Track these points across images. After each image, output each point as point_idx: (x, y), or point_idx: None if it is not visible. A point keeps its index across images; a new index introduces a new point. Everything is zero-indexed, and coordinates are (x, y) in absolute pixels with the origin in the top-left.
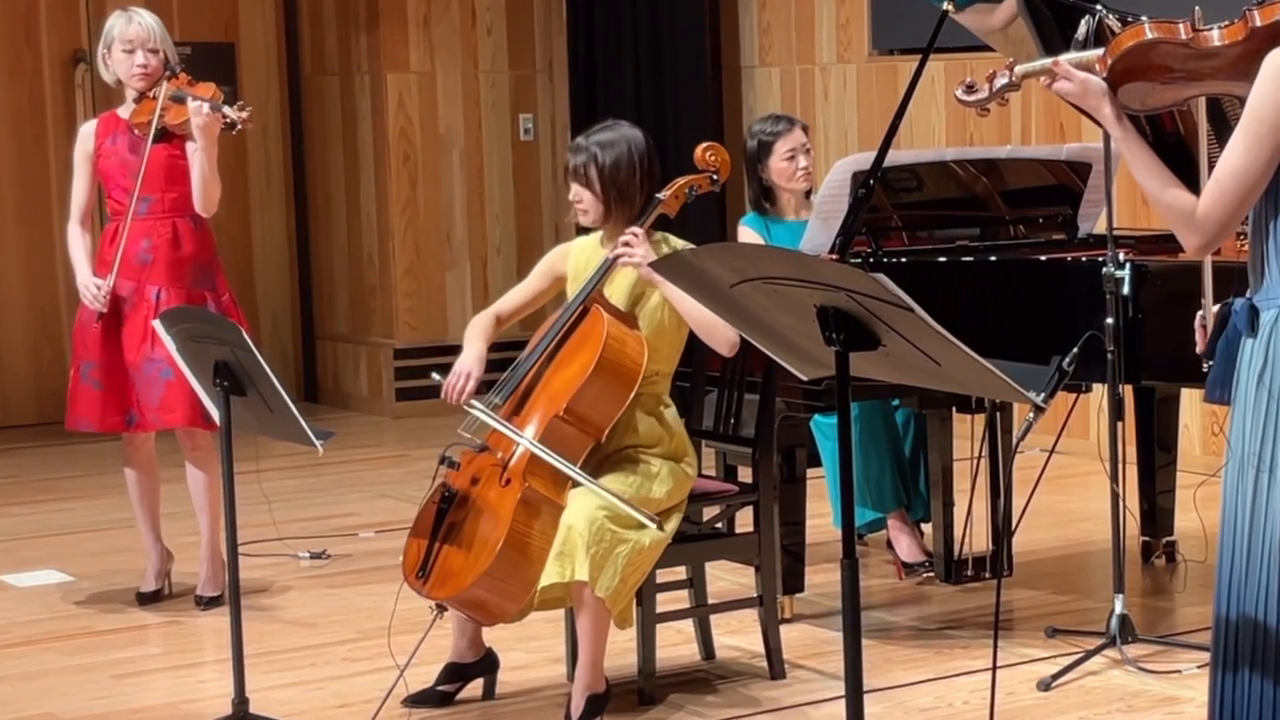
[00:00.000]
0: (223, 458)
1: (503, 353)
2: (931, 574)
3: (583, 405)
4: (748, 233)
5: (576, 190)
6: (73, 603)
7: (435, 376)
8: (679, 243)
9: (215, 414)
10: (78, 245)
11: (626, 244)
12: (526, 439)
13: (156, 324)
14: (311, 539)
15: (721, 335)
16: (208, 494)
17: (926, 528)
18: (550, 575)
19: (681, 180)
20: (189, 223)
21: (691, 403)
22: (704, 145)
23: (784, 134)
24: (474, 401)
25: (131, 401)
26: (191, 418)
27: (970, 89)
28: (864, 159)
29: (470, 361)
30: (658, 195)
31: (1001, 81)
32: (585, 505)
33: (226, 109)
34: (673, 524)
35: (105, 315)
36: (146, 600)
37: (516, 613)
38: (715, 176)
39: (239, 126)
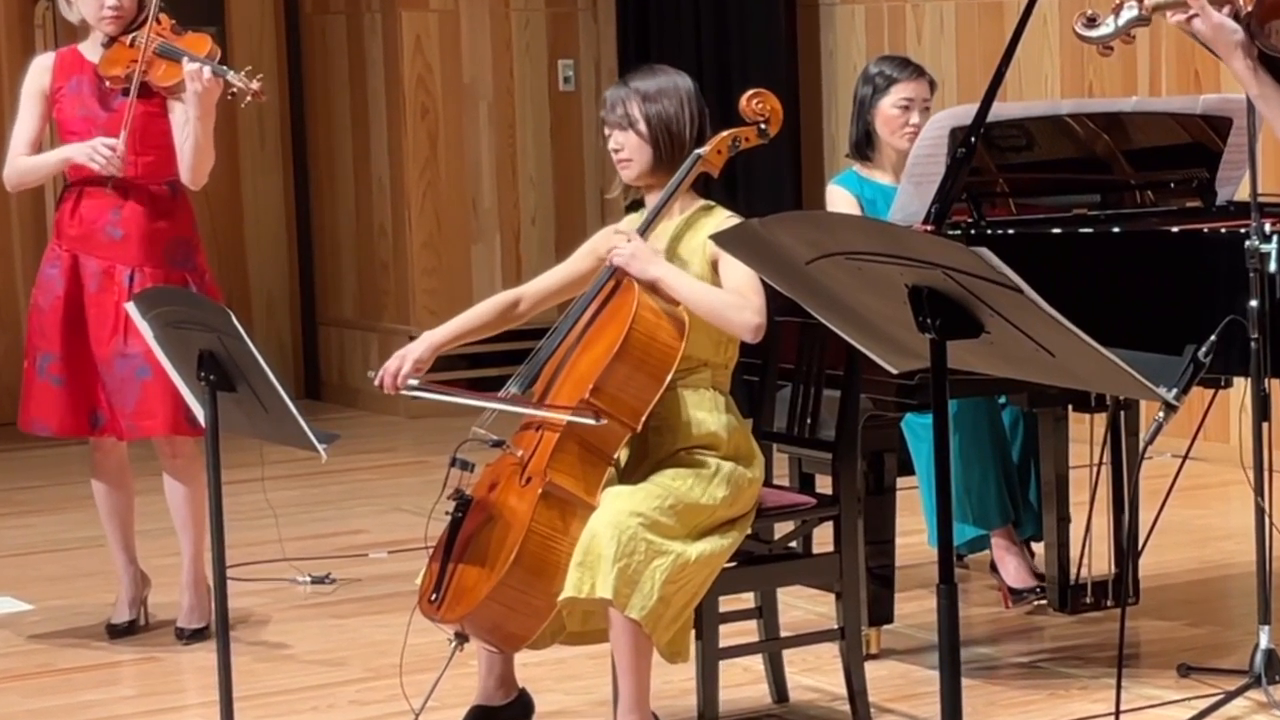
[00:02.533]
0: (209, 464)
1: (528, 342)
2: (1043, 601)
3: (612, 387)
4: (839, 194)
5: (618, 138)
6: (32, 635)
7: (371, 375)
8: (724, 213)
9: (201, 414)
10: (33, 158)
11: (617, 246)
12: (479, 400)
13: (130, 307)
14: (313, 560)
15: (738, 319)
16: (190, 509)
17: (1038, 547)
18: (569, 587)
19: (725, 133)
20: (166, 191)
21: (761, 400)
22: (749, 93)
23: (906, 80)
24: (411, 380)
25: (99, 401)
26: (174, 424)
27: (1091, 22)
28: (964, 113)
29: (415, 347)
30: (698, 151)
31: (1129, 15)
32: (616, 509)
33: (231, 75)
34: (733, 538)
35: (67, 300)
36: (119, 633)
37: (544, 636)
38: (764, 126)
39: (249, 99)
